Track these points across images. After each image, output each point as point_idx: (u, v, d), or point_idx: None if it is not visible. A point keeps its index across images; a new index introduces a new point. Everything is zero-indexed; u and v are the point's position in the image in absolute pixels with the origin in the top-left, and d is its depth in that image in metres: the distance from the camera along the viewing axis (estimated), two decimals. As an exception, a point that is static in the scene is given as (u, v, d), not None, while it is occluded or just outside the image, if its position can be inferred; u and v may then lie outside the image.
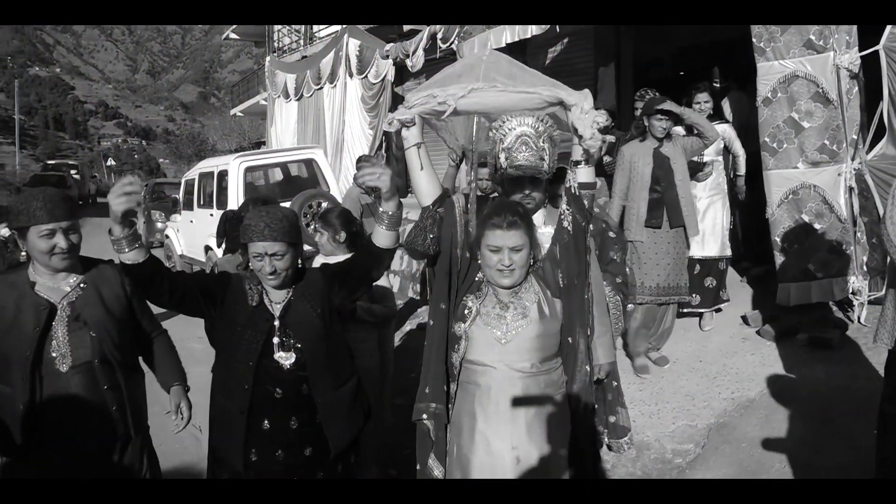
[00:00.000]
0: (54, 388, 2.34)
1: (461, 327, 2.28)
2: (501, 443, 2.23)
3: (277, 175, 10.16)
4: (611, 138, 5.28)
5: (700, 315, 5.32)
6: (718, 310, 5.37)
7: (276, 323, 2.41)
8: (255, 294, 2.43)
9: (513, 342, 2.24)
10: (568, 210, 2.32)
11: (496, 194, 2.80)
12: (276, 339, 2.40)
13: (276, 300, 2.46)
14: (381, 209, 2.37)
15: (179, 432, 2.74)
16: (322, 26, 15.53)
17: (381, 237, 2.39)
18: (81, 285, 2.43)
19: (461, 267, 2.32)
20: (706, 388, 4.46)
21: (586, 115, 2.27)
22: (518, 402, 2.23)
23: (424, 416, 2.34)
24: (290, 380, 2.41)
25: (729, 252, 5.31)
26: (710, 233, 5.16)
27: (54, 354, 2.34)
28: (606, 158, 5.21)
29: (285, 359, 2.40)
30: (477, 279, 2.33)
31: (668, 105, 4.62)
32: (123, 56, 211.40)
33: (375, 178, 2.23)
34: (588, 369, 2.34)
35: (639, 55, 8.75)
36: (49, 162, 40.27)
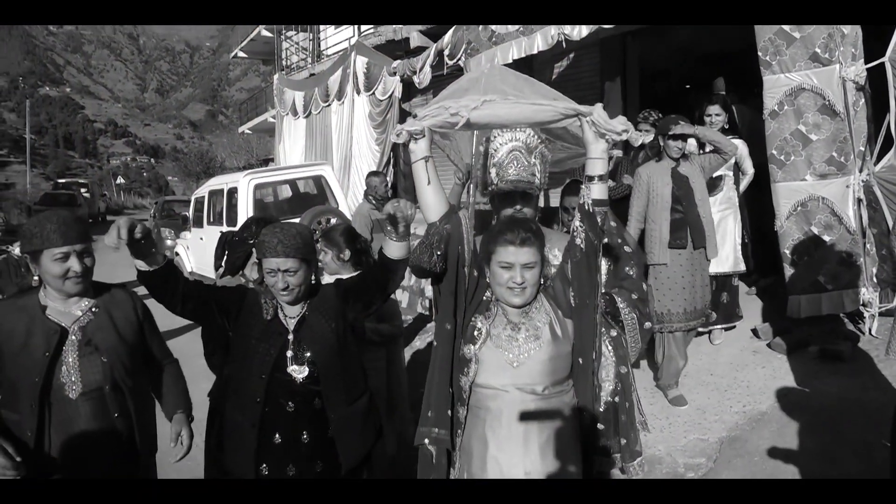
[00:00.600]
0: (63, 415, 2.28)
1: (471, 350, 2.21)
2: (514, 468, 2.19)
3: (286, 192, 10.21)
4: (617, 152, 5.29)
5: (710, 330, 5.26)
6: (732, 326, 5.34)
7: (290, 337, 2.42)
8: (269, 308, 2.44)
9: (525, 365, 2.19)
10: (581, 227, 2.21)
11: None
12: (289, 353, 2.40)
13: (291, 314, 2.46)
14: (391, 235, 2.35)
15: (178, 461, 2.64)
16: (330, 45, 15.69)
17: (393, 248, 2.37)
18: (93, 310, 2.39)
19: (468, 285, 2.26)
20: (717, 401, 4.45)
21: (609, 120, 2.19)
22: (531, 426, 2.18)
23: (427, 440, 2.26)
24: (303, 393, 2.40)
25: (742, 267, 5.25)
26: (723, 248, 5.07)
27: (64, 380, 2.28)
28: (610, 183, 5.17)
29: (298, 372, 2.40)
30: (485, 298, 2.28)
31: (682, 128, 4.48)
32: (132, 75, 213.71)
33: (403, 215, 2.24)
34: (598, 391, 2.30)
35: (645, 69, 8.80)
36: (60, 181, 40.62)
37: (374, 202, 6.22)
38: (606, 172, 2.22)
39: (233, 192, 8.87)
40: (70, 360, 2.30)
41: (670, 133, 4.47)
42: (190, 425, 2.66)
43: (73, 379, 2.30)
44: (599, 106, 2.23)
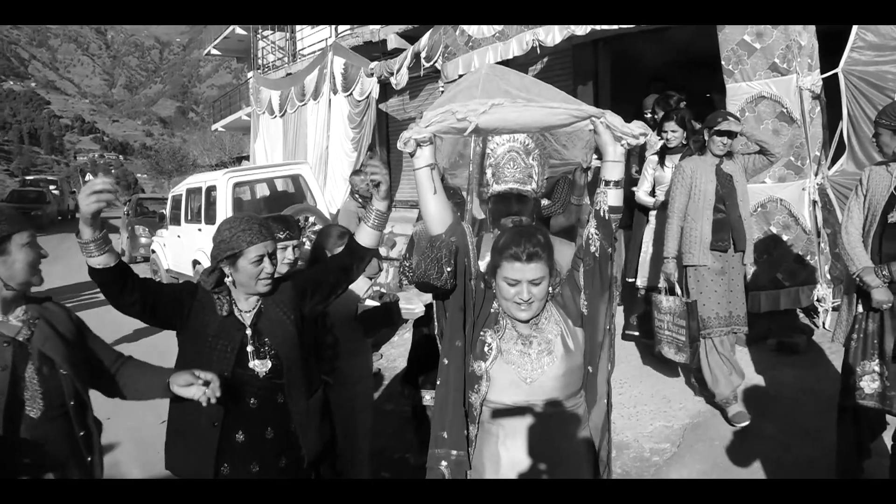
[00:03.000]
0: (28, 436, 2.02)
1: (481, 367, 2.11)
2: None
3: (265, 190, 10.33)
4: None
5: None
6: None
7: (249, 332, 2.35)
8: (224, 303, 2.35)
9: (538, 381, 2.09)
10: (596, 234, 2.08)
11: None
12: (250, 348, 2.34)
13: (246, 309, 2.39)
14: (374, 207, 2.37)
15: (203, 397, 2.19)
16: (307, 45, 15.79)
17: (367, 236, 2.38)
18: (33, 321, 2.11)
19: (476, 299, 2.16)
20: (682, 391, 4.71)
21: (625, 123, 2.10)
22: (546, 443, 2.10)
23: (444, 463, 2.12)
24: (266, 389, 2.35)
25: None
26: None
27: (26, 397, 2.02)
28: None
29: (261, 366, 2.35)
30: (493, 311, 2.17)
31: (729, 125, 4.16)
32: (100, 70, 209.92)
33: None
34: (607, 401, 2.18)
35: (616, 74, 9.08)
36: (27, 178, 39.93)
37: (360, 200, 6.42)
38: (622, 178, 2.12)
39: (211, 191, 8.97)
40: (27, 375, 2.03)
41: (716, 128, 4.19)
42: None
43: (32, 395, 2.03)
44: (610, 111, 2.14)
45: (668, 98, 5.68)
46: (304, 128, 11.90)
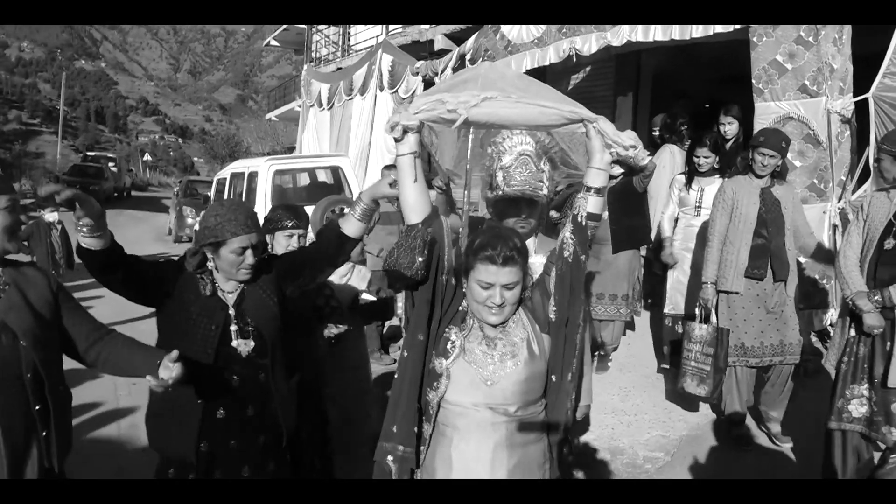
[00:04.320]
0: None
1: (442, 364, 2.05)
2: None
3: (305, 179, 10.62)
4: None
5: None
6: None
7: (232, 311, 2.39)
8: (207, 283, 2.39)
9: (499, 384, 2.03)
10: (571, 240, 2.05)
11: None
12: (233, 327, 2.37)
13: (229, 290, 2.43)
14: (362, 201, 2.39)
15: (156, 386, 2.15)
16: (359, 41, 16.09)
17: (352, 226, 2.41)
18: (4, 287, 2.05)
19: (445, 295, 2.10)
20: (684, 402, 4.74)
21: (618, 131, 2.06)
22: (500, 449, 2.04)
23: (390, 457, 2.09)
24: (249, 367, 2.38)
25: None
26: None
27: None
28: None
29: (244, 346, 2.38)
30: (461, 309, 2.13)
31: (771, 148, 3.90)
32: (167, 55, 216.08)
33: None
34: (571, 412, 2.16)
35: (663, 86, 9.08)
36: (89, 153, 41.44)
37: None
38: (605, 187, 2.08)
39: (253, 176, 9.29)
40: None
41: (757, 144, 3.99)
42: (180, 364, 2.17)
43: None
44: (604, 118, 2.10)
45: (675, 119, 5.68)
46: (349, 121, 12.17)
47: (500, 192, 2.53)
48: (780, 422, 4.26)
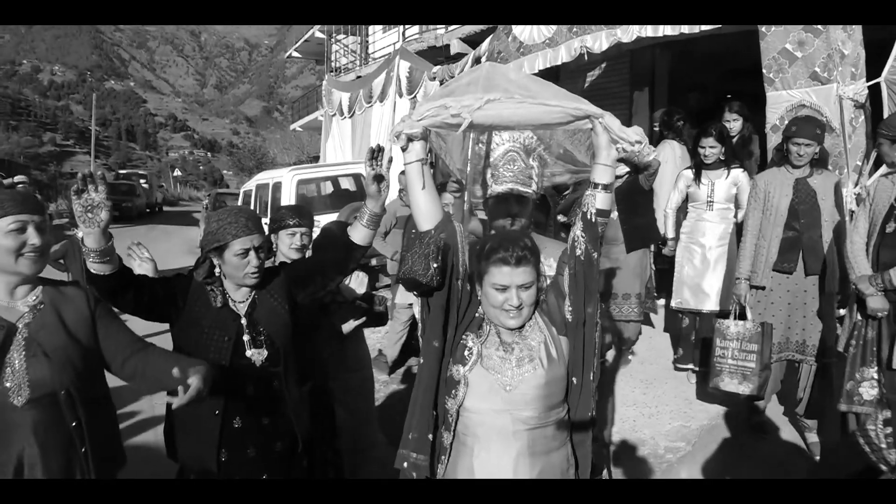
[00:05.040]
0: (5, 424, 1.99)
1: (460, 371, 2.04)
2: None
3: (328, 188, 10.81)
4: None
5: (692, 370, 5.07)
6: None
7: (244, 321, 2.41)
8: (218, 295, 2.40)
9: (518, 389, 2.01)
10: (583, 237, 2.03)
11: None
12: (246, 337, 2.39)
13: (239, 299, 2.45)
14: (367, 208, 2.44)
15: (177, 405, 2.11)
16: (378, 48, 16.28)
17: (360, 233, 2.46)
18: (39, 306, 2.10)
19: (461, 300, 2.08)
20: (704, 393, 4.78)
21: (623, 127, 2.05)
22: (522, 458, 2.02)
23: (405, 464, 2.09)
24: (262, 377, 2.40)
25: (729, 307, 4.60)
26: (719, 286, 4.84)
27: (8, 384, 1.99)
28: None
29: (258, 355, 2.40)
30: (477, 315, 2.11)
31: (805, 137, 3.83)
32: (193, 71, 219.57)
33: (376, 188, 2.33)
34: (592, 413, 2.11)
35: (677, 81, 9.08)
36: (121, 171, 42.39)
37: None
38: (612, 183, 2.06)
39: (278, 187, 9.49)
40: (16, 362, 2.01)
41: (791, 137, 3.93)
42: (206, 377, 2.14)
43: (18, 383, 2.00)
44: (610, 114, 2.08)
45: (672, 115, 5.69)
46: (369, 129, 12.34)
47: (490, 190, 2.53)
48: (802, 412, 4.18)
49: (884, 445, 3.03)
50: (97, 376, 2.21)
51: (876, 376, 3.14)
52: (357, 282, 3.44)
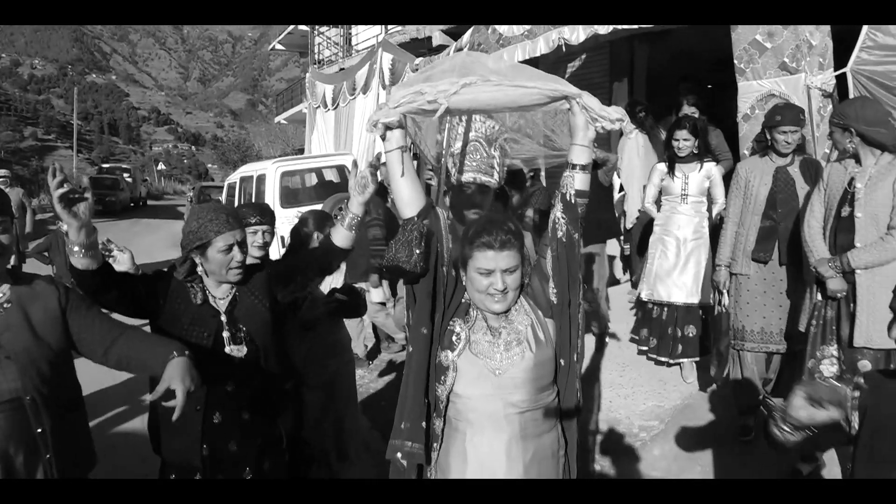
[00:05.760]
0: None
1: (448, 357, 2.05)
2: None
3: (312, 180, 10.87)
4: (613, 157, 5.45)
5: (680, 365, 4.98)
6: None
7: (224, 318, 2.41)
8: (198, 292, 2.40)
9: (507, 373, 2.02)
10: (563, 219, 2.05)
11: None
12: (225, 334, 2.39)
13: (220, 296, 2.45)
14: (349, 210, 2.45)
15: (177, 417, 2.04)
16: (360, 40, 16.32)
17: (341, 237, 2.48)
18: (4, 305, 2.04)
19: (447, 287, 2.09)
20: (678, 374, 4.93)
21: (604, 106, 2.03)
22: (514, 441, 2.03)
23: (399, 454, 2.08)
24: (242, 373, 2.39)
25: (709, 300, 4.79)
26: (694, 280, 4.84)
27: None
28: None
29: (238, 352, 2.40)
30: (463, 301, 2.12)
31: (791, 123, 3.79)
32: (176, 64, 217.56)
33: (362, 187, 2.36)
34: (579, 394, 2.13)
35: (652, 70, 9.22)
36: (104, 165, 42.12)
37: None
38: (590, 163, 2.08)
39: (262, 179, 9.55)
40: None
41: (773, 127, 3.89)
42: (188, 369, 2.06)
43: None
44: (588, 93, 2.07)
45: (634, 107, 5.77)
46: (353, 120, 12.41)
47: (453, 179, 2.54)
48: (770, 391, 4.17)
49: None
50: (66, 379, 2.17)
51: (836, 353, 3.29)
52: (339, 272, 3.50)
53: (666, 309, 4.93)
